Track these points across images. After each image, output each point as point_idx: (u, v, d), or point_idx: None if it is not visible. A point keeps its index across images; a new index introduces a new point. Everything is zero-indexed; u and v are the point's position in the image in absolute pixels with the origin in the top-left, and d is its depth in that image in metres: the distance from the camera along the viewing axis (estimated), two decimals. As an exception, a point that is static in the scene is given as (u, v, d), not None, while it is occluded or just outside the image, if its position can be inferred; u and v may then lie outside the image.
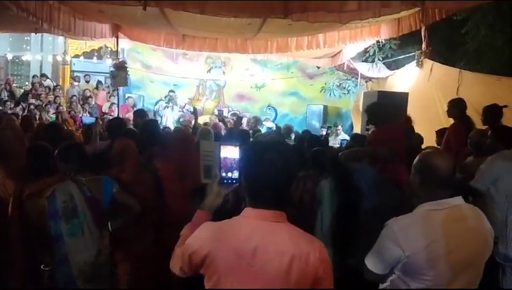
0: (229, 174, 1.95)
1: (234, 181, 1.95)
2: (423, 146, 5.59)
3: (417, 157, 2.23)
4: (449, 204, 2.11)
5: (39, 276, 3.27)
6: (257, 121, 10.43)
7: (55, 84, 13.72)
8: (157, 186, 3.79)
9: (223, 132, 8.11)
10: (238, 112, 13.43)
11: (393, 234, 2.11)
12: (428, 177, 2.13)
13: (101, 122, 7.18)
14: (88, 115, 11.37)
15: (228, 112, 13.65)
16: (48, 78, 14.09)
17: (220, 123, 9.87)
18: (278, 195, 1.70)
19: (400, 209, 3.10)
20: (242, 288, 1.64)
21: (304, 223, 3.16)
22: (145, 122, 5.19)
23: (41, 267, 3.24)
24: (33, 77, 13.97)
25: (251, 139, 5.39)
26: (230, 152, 1.94)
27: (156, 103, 13.80)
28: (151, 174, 3.82)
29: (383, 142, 3.87)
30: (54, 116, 10.60)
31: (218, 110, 11.74)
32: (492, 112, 4.87)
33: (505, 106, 5.00)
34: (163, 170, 3.85)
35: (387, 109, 4.18)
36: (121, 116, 9.79)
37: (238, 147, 1.91)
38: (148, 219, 3.61)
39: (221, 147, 1.95)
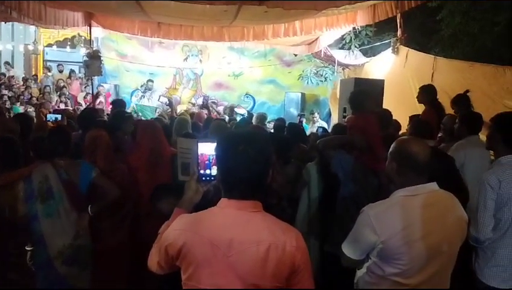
0: (207, 171, 1.93)
1: (212, 178, 1.92)
2: (401, 132, 5.66)
3: (393, 144, 2.25)
4: (424, 190, 2.13)
5: (8, 265, 3.26)
6: (232, 109, 10.47)
7: (24, 74, 13.37)
8: (131, 177, 3.76)
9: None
10: (216, 101, 13.34)
11: (368, 220, 2.13)
12: (404, 164, 2.15)
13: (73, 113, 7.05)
14: (64, 106, 11.15)
15: (203, 102, 13.54)
16: (12, 67, 13.71)
17: (204, 111, 9.81)
18: (253, 185, 1.68)
19: (376, 196, 3.15)
20: (218, 278, 1.63)
21: (282, 213, 3.20)
22: (115, 111, 5.09)
23: (25, 247, 3.26)
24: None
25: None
26: (208, 149, 1.91)
27: (132, 93, 13.60)
28: (125, 165, 3.78)
29: (360, 129, 3.89)
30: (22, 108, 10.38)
31: (203, 97, 11.67)
32: (461, 101, 4.97)
33: (467, 91, 5.13)
34: (132, 162, 3.82)
35: (364, 97, 4.20)
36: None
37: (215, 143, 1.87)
38: (123, 209, 3.58)
39: (199, 143, 1.93)
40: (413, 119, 5.05)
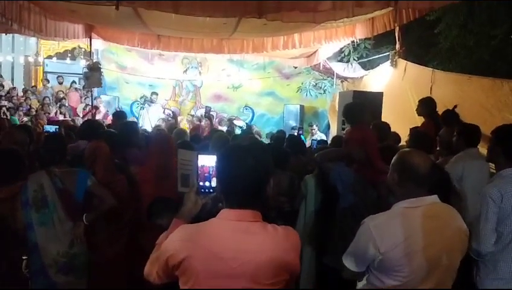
0: (207, 183, 1.93)
1: (211, 190, 1.93)
2: (400, 145, 5.67)
3: (395, 156, 2.25)
4: (425, 202, 2.13)
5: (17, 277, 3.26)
6: (231, 121, 10.55)
7: (12, 86, 13.35)
8: (132, 188, 3.75)
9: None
10: (213, 113, 13.37)
11: (368, 231, 2.12)
12: (406, 176, 2.15)
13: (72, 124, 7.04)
14: (63, 117, 11.15)
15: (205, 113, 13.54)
16: (2, 77, 13.73)
17: (203, 122, 9.83)
18: (253, 196, 1.70)
19: (375, 208, 3.15)
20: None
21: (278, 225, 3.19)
22: (123, 123, 5.10)
23: (22, 257, 3.27)
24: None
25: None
26: (208, 161, 1.91)
27: (132, 104, 13.63)
28: (125, 176, 3.78)
29: (356, 141, 3.90)
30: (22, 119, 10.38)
31: (205, 108, 11.68)
32: (450, 117, 4.99)
33: (455, 106, 5.20)
34: (141, 174, 3.81)
35: (361, 109, 4.22)
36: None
37: (215, 156, 1.88)
38: (122, 220, 3.58)
39: (199, 156, 1.93)
40: (412, 131, 5.07)
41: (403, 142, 5.90)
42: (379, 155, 3.76)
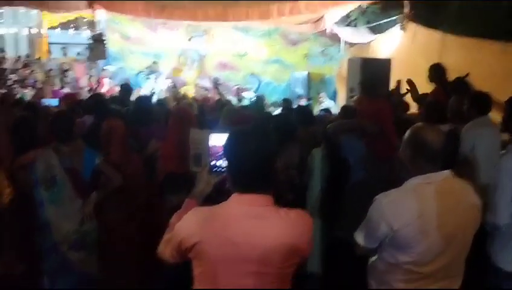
0: (219, 163, 1.93)
1: (224, 169, 1.92)
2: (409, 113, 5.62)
3: (408, 131, 2.22)
4: (438, 177, 2.12)
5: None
6: (239, 91, 10.47)
7: (18, 56, 13.24)
8: (148, 167, 3.76)
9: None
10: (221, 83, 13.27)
11: (381, 208, 2.13)
12: (419, 152, 2.13)
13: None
14: (68, 89, 11.12)
15: (209, 82, 13.46)
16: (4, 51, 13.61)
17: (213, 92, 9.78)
18: (262, 178, 1.71)
19: (387, 183, 3.13)
20: (234, 274, 1.66)
21: (290, 199, 3.20)
22: (138, 99, 5.06)
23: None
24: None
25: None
26: (220, 140, 1.90)
27: (137, 75, 13.53)
28: (140, 155, 3.78)
29: (373, 114, 3.85)
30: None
31: (213, 79, 11.60)
32: (460, 86, 4.90)
33: (467, 75, 5.13)
34: (163, 149, 3.81)
35: (380, 81, 4.15)
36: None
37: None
38: (133, 202, 3.60)
39: (211, 135, 1.92)
40: (424, 102, 4.98)
41: (412, 110, 5.86)
42: (394, 129, 3.71)
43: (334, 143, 3.90)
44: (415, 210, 2.06)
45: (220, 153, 1.92)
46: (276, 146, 1.76)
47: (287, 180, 3.52)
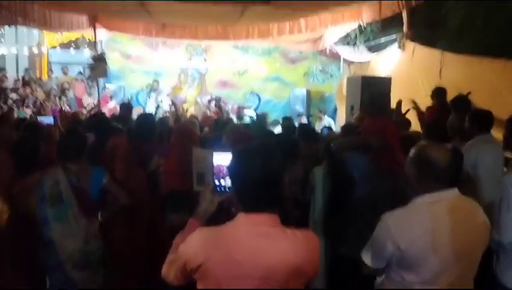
0: (222, 182, 1.92)
1: (227, 189, 1.91)
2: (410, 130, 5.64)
3: (413, 149, 2.21)
4: (446, 196, 2.10)
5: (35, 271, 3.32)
6: (240, 109, 10.54)
7: (17, 77, 13.28)
8: (152, 183, 3.76)
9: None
10: (225, 101, 13.32)
11: (387, 228, 2.11)
12: (425, 171, 2.11)
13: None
14: (67, 108, 11.15)
15: (211, 100, 13.53)
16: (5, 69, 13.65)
17: (214, 112, 9.82)
18: (269, 197, 1.69)
19: (391, 199, 3.11)
20: None
21: (295, 215, 3.19)
22: (141, 116, 5.10)
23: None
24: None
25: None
26: (224, 159, 1.89)
27: (137, 93, 13.60)
28: (143, 170, 3.78)
29: (378, 131, 3.85)
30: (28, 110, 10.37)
31: (215, 98, 11.57)
32: (462, 105, 4.93)
33: (469, 93, 5.16)
34: (166, 165, 3.81)
35: (384, 99, 4.18)
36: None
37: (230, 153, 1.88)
38: (137, 219, 3.59)
39: (214, 154, 1.91)
40: (424, 123, 5.01)
41: (412, 128, 5.88)
42: (400, 146, 3.71)
43: (338, 160, 3.90)
44: (423, 229, 2.04)
45: (222, 172, 1.92)
46: (282, 163, 1.74)
47: (292, 197, 3.51)
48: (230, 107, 11.28)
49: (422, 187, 2.15)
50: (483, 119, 4.08)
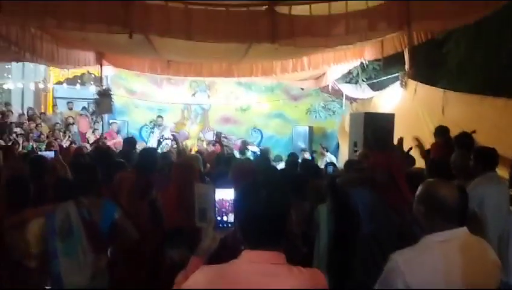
0: (225, 218, 1.89)
1: (230, 225, 1.89)
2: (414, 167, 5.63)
3: (421, 187, 2.19)
4: (455, 235, 2.07)
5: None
6: (244, 144, 10.55)
7: (22, 112, 13.41)
8: (155, 215, 3.75)
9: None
10: (227, 136, 13.39)
11: (397, 267, 2.07)
12: (433, 208, 2.09)
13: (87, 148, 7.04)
14: (69, 143, 11.20)
15: (213, 136, 13.60)
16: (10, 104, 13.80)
17: (216, 146, 9.85)
18: (275, 234, 1.66)
19: (398, 234, 3.07)
20: None
21: (300, 253, 3.14)
22: (144, 150, 5.13)
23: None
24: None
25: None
26: (226, 195, 1.88)
27: (141, 129, 13.70)
28: (147, 203, 3.78)
29: (383, 166, 3.84)
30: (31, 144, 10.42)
31: (216, 133, 11.64)
32: (466, 143, 4.94)
33: (473, 132, 5.18)
34: (163, 198, 3.81)
35: (388, 134, 4.19)
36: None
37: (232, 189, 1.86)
38: (143, 248, 3.56)
39: (216, 189, 1.90)
40: (428, 162, 5.01)
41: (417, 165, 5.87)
42: (406, 182, 3.69)
43: (343, 195, 3.87)
44: (435, 268, 2.01)
45: (225, 207, 1.90)
46: (288, 198, 1.72)
47: (300, 234, 3.47)
48: (233, 142, 11.29)
49: (430, 225, 2.12)
50: (488, 157, 4.07)
